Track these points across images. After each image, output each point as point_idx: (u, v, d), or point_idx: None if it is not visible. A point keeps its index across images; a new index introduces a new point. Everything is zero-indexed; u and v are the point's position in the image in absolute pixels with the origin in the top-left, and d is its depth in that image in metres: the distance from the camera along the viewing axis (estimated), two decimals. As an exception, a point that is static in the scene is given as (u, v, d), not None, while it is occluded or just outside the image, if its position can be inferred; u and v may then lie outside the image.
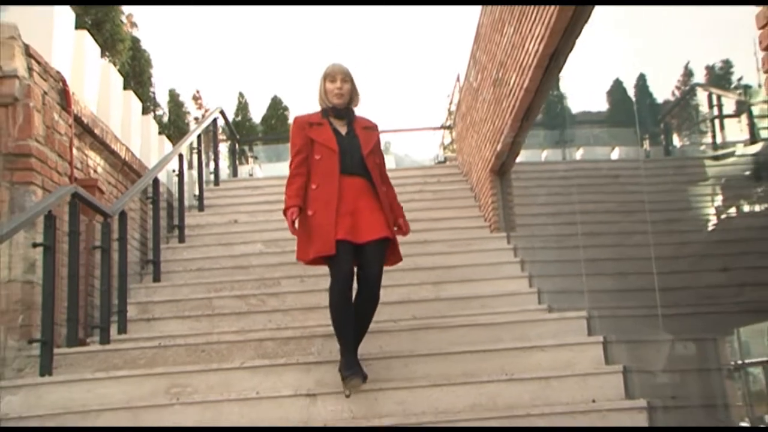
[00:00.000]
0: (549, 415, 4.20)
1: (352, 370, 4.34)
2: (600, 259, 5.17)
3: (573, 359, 4.76)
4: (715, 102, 3.78)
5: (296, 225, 4.52)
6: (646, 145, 4.65)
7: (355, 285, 4.49)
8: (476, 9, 7.92)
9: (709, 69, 3.78)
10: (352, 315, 4.47)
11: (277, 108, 15.61)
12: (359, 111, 4.86)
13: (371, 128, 4.87)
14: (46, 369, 4.91)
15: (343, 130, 4.72)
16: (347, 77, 4.72)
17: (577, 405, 4.29)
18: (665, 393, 4.08)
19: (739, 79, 3.50)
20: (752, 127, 3.45)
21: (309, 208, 4.53)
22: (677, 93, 4.14)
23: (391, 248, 4.67)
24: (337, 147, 4.60)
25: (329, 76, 4.72)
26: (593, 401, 4.34)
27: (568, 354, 4.79)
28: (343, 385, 4.38)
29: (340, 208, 4.45)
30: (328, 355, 4.83)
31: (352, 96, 4.79)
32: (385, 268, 6.57)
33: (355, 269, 4.47)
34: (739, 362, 3.73)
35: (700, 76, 3.89)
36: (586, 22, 4.90)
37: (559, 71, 5.50)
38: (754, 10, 3.12)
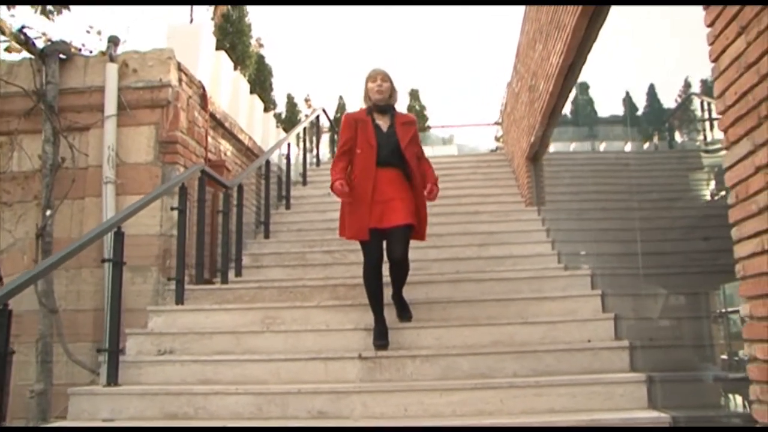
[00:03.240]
0: (553, 352, 4.05)
1: (380, 341, 4.17)
2: (606, 229, 4.94)
3: (577, 308, 4.57)
4: (706, 107, 3.56)
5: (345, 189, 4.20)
6: (655, 140, 4.39)
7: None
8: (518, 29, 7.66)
9: (703, 82, 3.55)
10: (381, 290, 4.29)
11: (367, 108, 15.51)
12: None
13: (409, 123, 4.55)
14: (179, 300, 5.09)
15: (384, 126, 4.44)
16: (386, 77, 4.45)
17: (575, 344, 4.12)
18: (643, 335, 3.86)
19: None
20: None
21: (349, 196, 4.29)
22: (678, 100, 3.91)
23: (417, 227, 4.37)
24: (375, 143, 4.32)
25: (371, 78, 4.46)
26: (588, 341, 4.16)
27: (574, 304, 4.61)
28: (374, 348, 4.16)
29: (375, 197, 4.21)
30: (385, 300, 4.74)
31: (391, 93, 4.50)
32: (440, 232, 6.51)
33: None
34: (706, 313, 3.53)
35: (696, 87, 3.67)
36: (595, 40, 4.65)
37: (576, 79, 5.25)
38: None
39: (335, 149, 12.17)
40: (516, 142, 8.39)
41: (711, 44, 2.38)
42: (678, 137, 3.70)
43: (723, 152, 2.40)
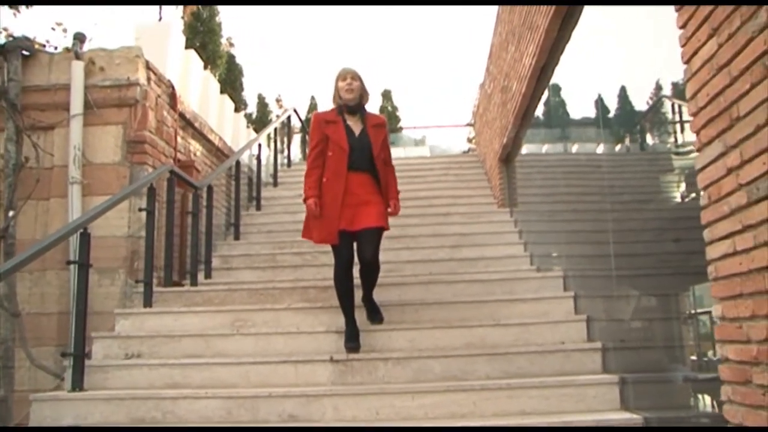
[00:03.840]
0: (525, 354, 4.05)
1: (351, 343, 4.13)
2: (579, 231, 4.96)
3: (549, 310, 4.59)
4: (677, 110, 3.58)
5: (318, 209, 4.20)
6: (627, 141, 4.41)
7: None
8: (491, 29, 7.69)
9: (674, 84, 3.57)
10: (352, 292, 4.26)
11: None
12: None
13: (380, 125, 4.48)
14: (147, 302, 5.00)
15: (355, 127, 4.35)
16: (356, 76, 4.37)
17: (547, 346, 4.13)
18: (616, 337, 3.89)
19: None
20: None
21: (319, 198, 4.23)
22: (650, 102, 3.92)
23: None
24: (347, 147, 4.24)
25: (341, 77, 4.38)
26: (562, 343, 4.17)
27: (546, 306, 4.63)
28: (345, 351, 4.13)
29: (345, 200, 4.16)
30: (356, 302, 4.70)
31: (362, 93, 4.44)
32: (413, 233, 6.51)
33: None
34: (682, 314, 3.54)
35: (667, 90, 3.68)
36: (567, 41, 4.67)
37: (548, 80, 5.27)
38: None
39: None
40: (488, 143, 8.42)
41: (683, 46, 2.39)
42: (650, 139, 3.72)
43: (694, 154, 2.41)
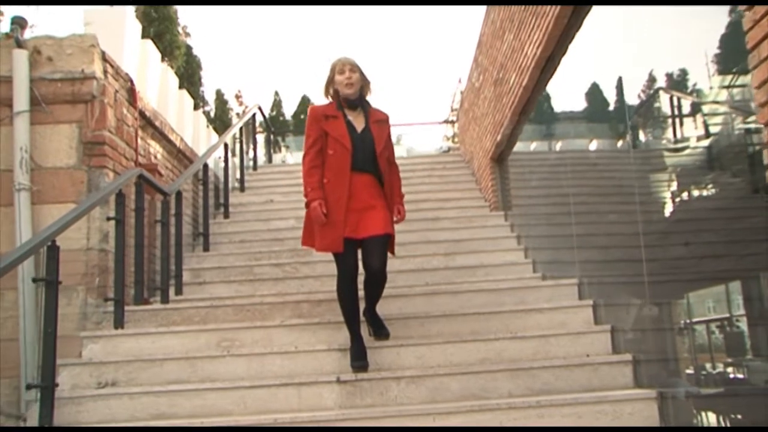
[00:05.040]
0: (549, 368, 4.07)
1: (359, 362, 4.08)
2: (589, 235, 5.02)
3: (567, 320, 4.62)
4: (675, 103, 3.65)
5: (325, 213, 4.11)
6: (628, 138, 4.48)
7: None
8: (477, 18, 7.75)
9: (669, 76, 3.64)
10: (358, 305, 4.22)
11: (306, 105, 15.31)
12: (373, 102, 4.50)
13: (383, 121, 4.43)
14: (119, 323, 4.87)
15: (357, 123, 4.29)
16: (355, 67, 4.27)
17: (572, 359, 4.15)
18: (646, 348, 3.94)
19: (694, 85, 3.37)
20: (705, 124, 3.34)
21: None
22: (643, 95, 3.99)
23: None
24: (350, 145, 4.17)
25: (338, 69, 4.26)
26: (587, 355, 4.19)
27: (563, 315, 4.66)
28: (352, 370, 4.08)
29: (349, 205, 4.11)
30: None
31: (363, 85, 4.35)
32: (400, 240, 6.46)
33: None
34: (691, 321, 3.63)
35: (661, 82, 3.75)
36: (578, 29, 4.72)
37: (554, 71, 5.32)
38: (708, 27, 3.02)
39: (271, 151, 12.13)
40: (477, 141, 8.46)
41: (749, 30, 2.43)
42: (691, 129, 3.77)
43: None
